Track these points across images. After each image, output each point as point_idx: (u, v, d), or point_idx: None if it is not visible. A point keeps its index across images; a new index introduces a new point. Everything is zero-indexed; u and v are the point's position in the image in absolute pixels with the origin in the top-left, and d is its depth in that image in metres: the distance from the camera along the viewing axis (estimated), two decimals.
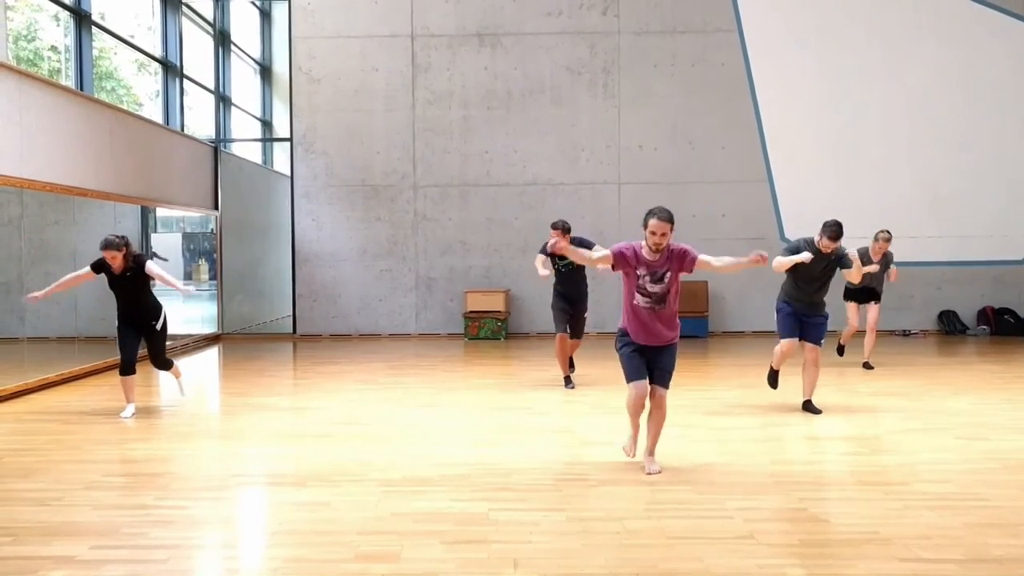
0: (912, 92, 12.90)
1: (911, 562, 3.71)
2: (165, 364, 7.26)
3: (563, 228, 7.82)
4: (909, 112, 12.90)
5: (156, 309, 7.09)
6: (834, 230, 6.66)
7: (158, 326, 7.08)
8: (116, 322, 7.02)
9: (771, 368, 7.17)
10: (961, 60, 12.87)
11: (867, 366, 9.46)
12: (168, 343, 7.04)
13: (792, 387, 7.35)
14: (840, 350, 9.73)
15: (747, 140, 12.95)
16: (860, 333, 9.79)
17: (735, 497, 4.62)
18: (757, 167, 12.98)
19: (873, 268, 9.06)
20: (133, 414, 6.95)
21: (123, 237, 6.82)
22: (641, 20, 12.96)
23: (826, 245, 6.68)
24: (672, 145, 13.02)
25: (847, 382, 8.52)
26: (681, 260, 5.02)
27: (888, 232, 9.54)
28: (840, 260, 6.76)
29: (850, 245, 9.65)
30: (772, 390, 7.29)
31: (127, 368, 6.93)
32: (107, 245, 6.69)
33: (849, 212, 12.02)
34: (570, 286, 8.10)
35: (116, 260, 6.72)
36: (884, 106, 12.90)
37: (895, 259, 9.68)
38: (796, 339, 6.82)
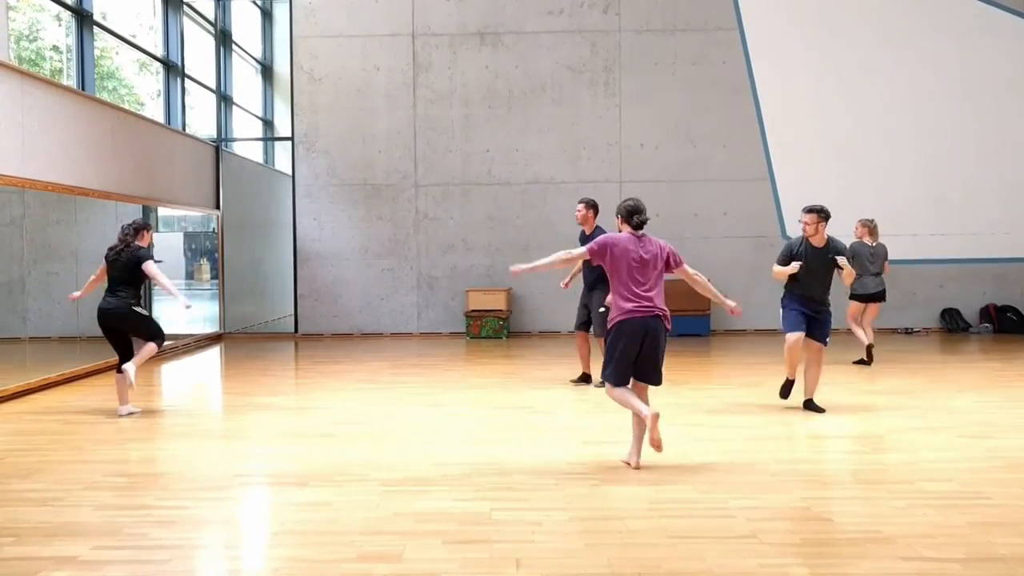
0: (914, 89, 12.88)
1: (914, 561, 3.70)
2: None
3: (589, 203, 8.02)
4: (911, 109, 12.88)
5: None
6: (812, 209, 6.79)
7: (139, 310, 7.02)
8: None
9: (786, 379, 6.97)
10: (963, 57, 12.84)
11: (863, 362, 9.49)
12: (170, 343, 7.03)
13: (794, 386, 7.33)
14: (866, 360, 9.36)
15: (748, 138, 12.94)
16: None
17: (737, 496, 4.61)
18: (758, 165, 12.97)
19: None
20: (131, 413, 6.93)
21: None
22: (642, 18, 12.95)
23: (807, 222, 6.77)
24: (673, 143, 13.00)
25: (849, 380, 8.50)
26: (669, 253, 5.18)
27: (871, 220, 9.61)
28: (837, 254, 6.80)
29: (850, 242, 9.70)
30: (783, 399, 7.01)
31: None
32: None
33: (851, 210, 12.03)
34: (590, 279, 8.05)
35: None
36: (886, 103, 12.88)
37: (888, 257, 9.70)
38: (802, 333, 6.78)
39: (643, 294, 5.06)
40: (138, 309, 6.90)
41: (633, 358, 5.10)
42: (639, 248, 5.10)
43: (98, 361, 9.26)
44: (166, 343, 11.29)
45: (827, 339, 6.85)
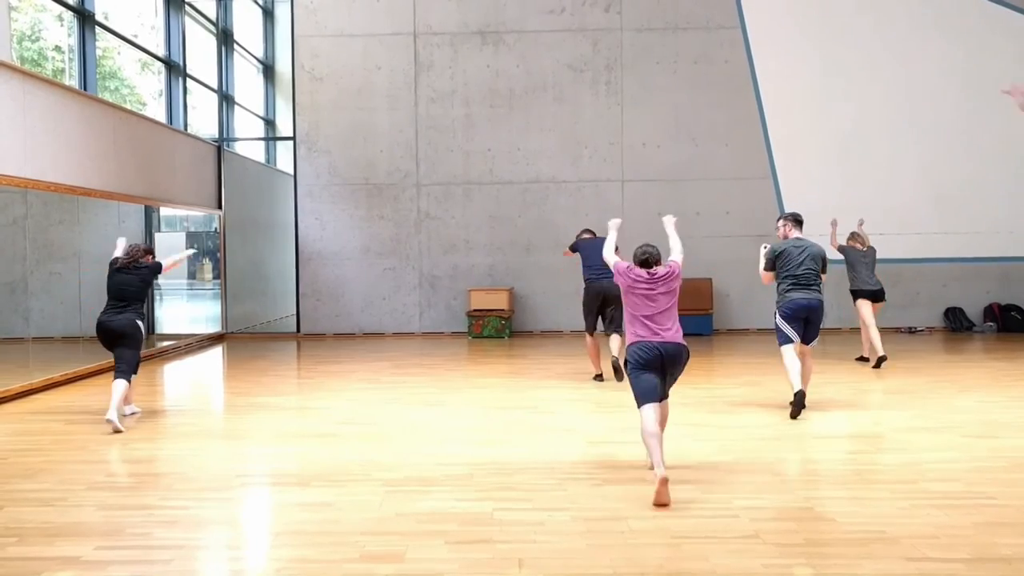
0: (917, 88, 12.85)
1: (918, 561, 3.69)
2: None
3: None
4: (914, 108, 12.85)
5: None
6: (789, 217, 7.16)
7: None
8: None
9: (795, 393, 6.53)
10: (966, 55, 12.81)
11: (863, 359, 9.49)
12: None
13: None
14: (879, 362, 8.98)
15: (750, 137, 12.91)
16: (858, 331, 9.80)
17: (740, 496, 4.60)
18: (761, 164, 12.94)
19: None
20: (132, 413, 6.94)
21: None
22: (643, 17, 12.93)
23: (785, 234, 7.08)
24: (675, 142, 12.98)
25: (853, 380, 8.49)
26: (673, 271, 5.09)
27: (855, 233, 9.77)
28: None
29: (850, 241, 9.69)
30: (793, 419, 6.49)
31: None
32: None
33: (854, 209, 12.00)
34: (606, 284, 8.23)
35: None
36: (889, 102, 12.85)
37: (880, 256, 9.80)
38: (796, 342, 6.75)
39: (654, 323, 4.94)
40: (140, 325, 6.90)
41: (655, 380, 4.88)
42: (647, 279, 5.00)
43: (101, 361, 9.26)
44: (168, 343, 11.34)
45: (814, 341, 6.85)
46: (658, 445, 4.69)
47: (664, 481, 4.51)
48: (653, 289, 5.00)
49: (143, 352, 7.12)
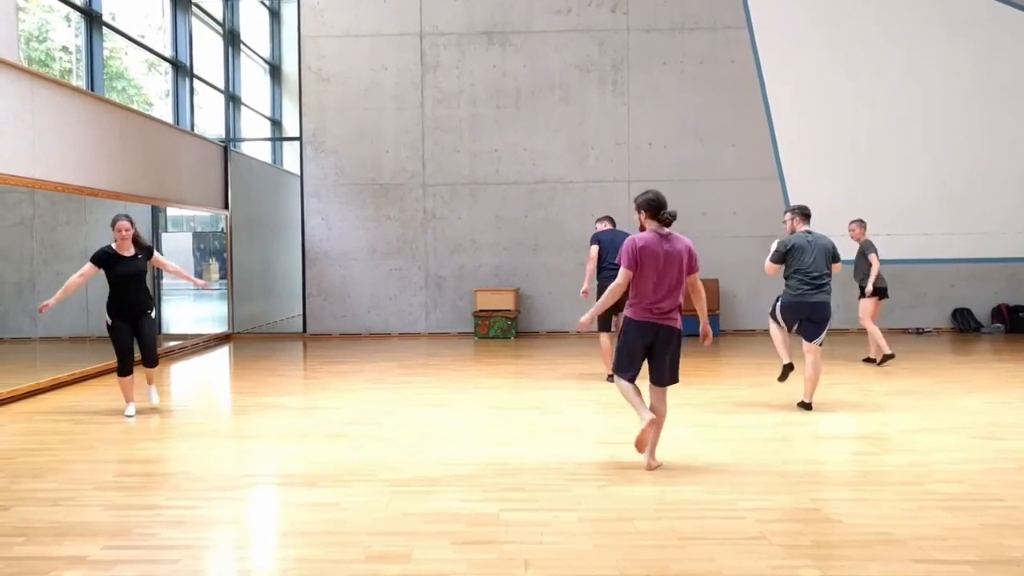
0: (925, 88, 12.81)
1: (925, 563, 3.68)
2: (156, 359, 7.21)
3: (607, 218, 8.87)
4: (922, 108, 12.82)
5: (151, 299, 7.23)
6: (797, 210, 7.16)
7: (152, 314, 7.17)
8: (111, 320, 6.89)
9: (784, 365, 7.08)
10: (974, 55, 12.77)
11: (869, 360, 9.46)
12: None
13: (799, 386, 7.29)
14: (885, 359, 9.09)
15: (757, 137, 12.89)
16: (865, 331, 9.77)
17: (747, 497, 4.59)
18: (767, 164, 12.92)
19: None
20: (136, 412, 6.97)
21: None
22: (650, 17, 12.92)
23: (792, 228, 7.07)
24: (682, 142, 12.97)
25: (859, 381, 8.46)
26: (690, 256, 5.08)
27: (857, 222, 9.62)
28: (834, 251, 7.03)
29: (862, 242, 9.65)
30: (780, 382, 7.24)
31: (128, 369, 6.94)
32: (121, 217, 6.92)
33: (861, 209, 11.95)
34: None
35: (129, 233, 6.85)
36: (897, 102, 12.82)
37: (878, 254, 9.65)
38: (784, 329, 7.04)
39: (659, 300, 4.94)
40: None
41: (642, 356, 5.07)
42: (663, 250, 4.94)
43: (108, 361, 9.29)
44: (175, 343, 11.36)
45: (820, 341, 6.83)
46: (638, 396, 5.01)
47: (651, 423, 4.84)
48: (663, 249, 4.90)
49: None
